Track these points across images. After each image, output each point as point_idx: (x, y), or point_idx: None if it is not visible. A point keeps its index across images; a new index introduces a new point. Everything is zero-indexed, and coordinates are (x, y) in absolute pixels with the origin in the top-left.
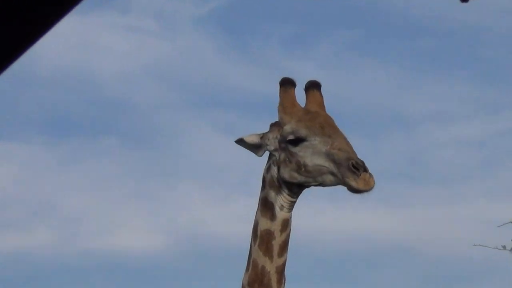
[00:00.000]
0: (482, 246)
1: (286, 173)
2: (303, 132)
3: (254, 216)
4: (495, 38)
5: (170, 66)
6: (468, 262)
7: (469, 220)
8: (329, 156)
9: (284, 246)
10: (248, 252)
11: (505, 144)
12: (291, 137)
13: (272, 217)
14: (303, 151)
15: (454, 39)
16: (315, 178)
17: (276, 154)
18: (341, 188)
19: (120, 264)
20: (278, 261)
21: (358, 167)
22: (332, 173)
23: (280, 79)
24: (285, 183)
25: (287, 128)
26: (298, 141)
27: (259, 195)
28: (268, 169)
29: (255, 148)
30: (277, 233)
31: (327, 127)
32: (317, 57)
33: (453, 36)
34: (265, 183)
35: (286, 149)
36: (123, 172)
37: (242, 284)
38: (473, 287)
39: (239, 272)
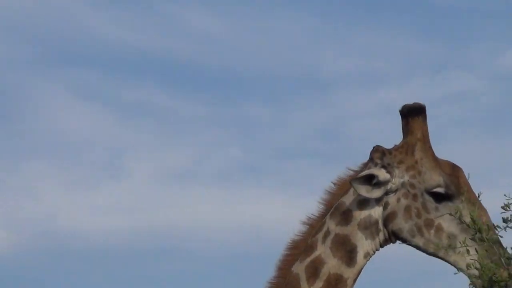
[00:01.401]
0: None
1: (406, 227)
2: (453, 190)
3: (311, 246)
4: None
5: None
6: None
7: None
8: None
9: None
10: (283, 285)
11: (447, 113)
12: (440, 190)
13: (350, 262)
14: (442, 211)
15: None
16: (438, 248)
17: (393, 197)
18: None
19: None
20: None
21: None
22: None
23: (413, 105)
24: (392, 233)
25: (438, 178)
26: (444, 198)
27: (325, 224)
28: (362, 205)
29: (372, 185)
30: (350, 282)
31: (471, 192)
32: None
33: None
34: (351, 220)
35: (419, 200)
36: None
37: None
38: None
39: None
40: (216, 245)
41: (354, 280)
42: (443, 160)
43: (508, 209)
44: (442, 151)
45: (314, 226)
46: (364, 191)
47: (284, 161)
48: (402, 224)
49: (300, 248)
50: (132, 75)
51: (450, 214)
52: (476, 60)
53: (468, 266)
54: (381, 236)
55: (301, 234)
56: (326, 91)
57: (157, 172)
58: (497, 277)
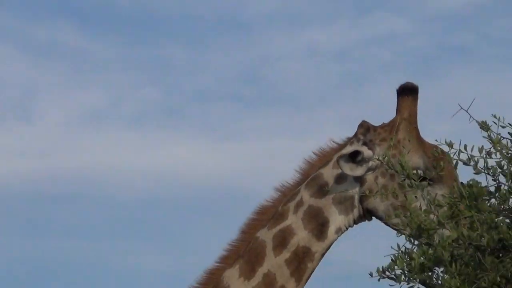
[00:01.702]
0: None
1: (381, 207)
2: (433, 174)
3: (282, 214)
4: None
5: None
6: None
7: None
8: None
9: (311, 274)
10: (246, 249)
11: (372, 56)
12: (419, 173)
13: (321, 236)
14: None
15: None
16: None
17: (371, 175)
18: None
19: None
20: None
21: None
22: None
23: (406, 85)
24: (368, 211)
25: (418, 160)
26: (422, 181)
27: (298, 194)
28: (340, 179)
29: (356, 162)
30: (317, 256)
31: (454, 179)
32: None
33: None
34: (327, 193)
35: (397, 180)
36: None
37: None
38: None
39: None
40: (133, 190)
41: (322, 255)
42: (430, 144)
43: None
44: (370, 96)
45: (286, 194)
46: (348, 169)
47: (204, 104)
48: (377, 203)
49: (268, 214)
50: (44, 14)
51: (378, 160)
52: (405, 1)
53: (396, 214)
54: (355, 213)
55: (271, 201)
56: (248, 33)
57: (70, 114)
58: (425, 225)
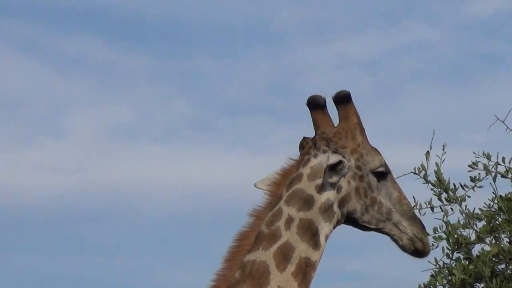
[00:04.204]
0: None
1: (358, 207)
2: (388, 169)
3: (274, 234)
4: None
5: None
6: None
7: None
8: (400, 203)
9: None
10: (251, 270)
11: (402, 65)
12: (381, 169)
13: (315, 245)
14: (381, 188)
15: None
16: (379, 222)
17: (343, 181)
18: None
19: None
20: None
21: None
22: (396, 224)
23: (342, 93)
24: (347, 213)
25: (378, 158)
26: (383, 176)
27: (282, 213)
28: (320, 190)
29: (333, 171)
30: (317, 265)
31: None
32: None
33: None
34: (313, 204)
35: (365, 180)
36: None
37: None
38: None
39: None
40: (164, 205)
41: (318, 262)
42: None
43: (476, 167)
44: (401, 106)
45: (261, 217)
46: (334, 178)
47: (234, 117)
48: (356, 204)
49: (249, 239)
50: (72, 27)
51: (415, 173)
52: (436, 10)
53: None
54: (335, 218)
55: (248, 226)
56: (277, 44)
57: (99, 129)
58: (464, 239)
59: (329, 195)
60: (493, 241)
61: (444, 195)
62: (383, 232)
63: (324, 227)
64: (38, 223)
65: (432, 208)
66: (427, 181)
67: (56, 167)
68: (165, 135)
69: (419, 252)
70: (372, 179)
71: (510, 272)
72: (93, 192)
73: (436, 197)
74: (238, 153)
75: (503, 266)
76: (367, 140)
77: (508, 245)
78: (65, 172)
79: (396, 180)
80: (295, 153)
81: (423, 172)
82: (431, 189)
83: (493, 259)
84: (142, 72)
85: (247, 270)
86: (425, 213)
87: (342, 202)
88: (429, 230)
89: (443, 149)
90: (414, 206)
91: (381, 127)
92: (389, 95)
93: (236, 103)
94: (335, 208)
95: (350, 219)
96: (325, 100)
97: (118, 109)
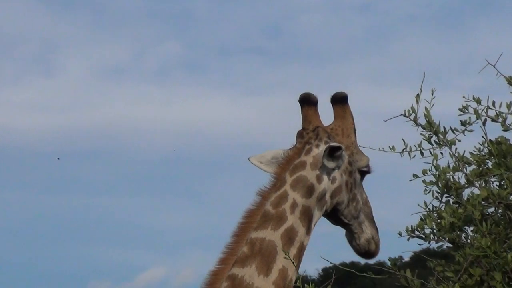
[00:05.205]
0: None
1: (345, 199)
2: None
3: (280, 216)
4: None
5: None
6: None
7: None
8: (367, 203)
9: None
10: (260, 248)
11: (396, 9)
12: (366, 169)
13: (309, 231)
14: (359, 187)
15: None
16: (352, 218)
17: (337, 173)
18: None
19: None
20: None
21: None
22: (360, 224)
23: (342, 94)
24: (336, 204)
25: (365, 157)
26: (363, 176)
27: (288, 196)
28: (319, 179)
29: (331, 156)
30: (306, 248)
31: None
32: None
33: None
34: (313, 193)
35: (353, 176)
36: None
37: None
38: None
39: None
40: (154, 145)
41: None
42: None
43: (466, 111)
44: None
45: (266, 197)
46: (331, 164)
47: (226, 58)
48: (344, 197)
49: (255, 217)
50: None
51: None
52: None
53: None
54: (325, 207)
55: (255, 204)
56: None
57: (92, 68)
58: (453, 183)
59: (325, 184)
60: (483, 184)
61: (434, 138)
62: (349, 229)
63: (316, 215)
64: (26, 163)
65: (421, 152)
66: (417, 124)
67: (46, 107)
68: (157, 75)
69: (369, 253)
70: (357, 176)
71: (500, 216)
72: (83, 131)
73: (426, 141)
74: (229, 93)
75: (492, 209)
76: (356, 141)
77: (497, 188)
78: (55, 112)
79: (386, 122)
80: (288, 94)
81: (413, 114)
82: (421, 133)
83: (483, 202)
84: (135, 12)
85: (257, 247)
86: (414, 156)
87: (334, 193)
88: (418, 173)
89: (432, 94)
90: (403, 149)
91: (373, 70)
92: (381, 38)
93: (228, 44)
94: (328, 197)
95: (332, 210)
96: (317, 99)
97: (110, 49)
